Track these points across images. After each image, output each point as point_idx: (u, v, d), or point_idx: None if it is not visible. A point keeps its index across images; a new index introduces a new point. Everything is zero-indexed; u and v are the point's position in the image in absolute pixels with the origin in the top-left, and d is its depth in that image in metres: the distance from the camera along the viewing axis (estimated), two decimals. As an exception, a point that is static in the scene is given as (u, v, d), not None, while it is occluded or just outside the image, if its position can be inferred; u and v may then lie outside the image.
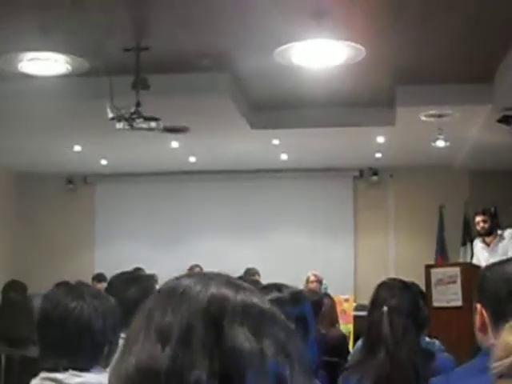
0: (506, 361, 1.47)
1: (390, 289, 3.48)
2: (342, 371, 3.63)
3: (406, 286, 3.55)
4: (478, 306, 2.23)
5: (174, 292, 1.07)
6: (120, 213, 13.97)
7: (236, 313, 1.00)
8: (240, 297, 1.03)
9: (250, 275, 10.76)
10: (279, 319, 1.05)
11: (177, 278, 1.12)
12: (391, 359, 3.25)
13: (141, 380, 0.99)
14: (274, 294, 2.46)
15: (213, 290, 1.04)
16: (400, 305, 3.37)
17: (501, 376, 1.48)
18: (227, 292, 1.03)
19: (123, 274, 3.70)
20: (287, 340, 1.03)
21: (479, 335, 2.24)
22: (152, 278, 3.77)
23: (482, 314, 2.22)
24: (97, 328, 2.27)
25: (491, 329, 2.17)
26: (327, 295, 8.80)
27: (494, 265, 2.34)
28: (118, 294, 3.24)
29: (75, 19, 6.75)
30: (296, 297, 2.49)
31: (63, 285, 2.42)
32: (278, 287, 2.53)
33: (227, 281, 1.07)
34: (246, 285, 1.08)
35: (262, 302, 1.06)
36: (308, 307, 2.48)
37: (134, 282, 3.47)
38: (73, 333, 2.24)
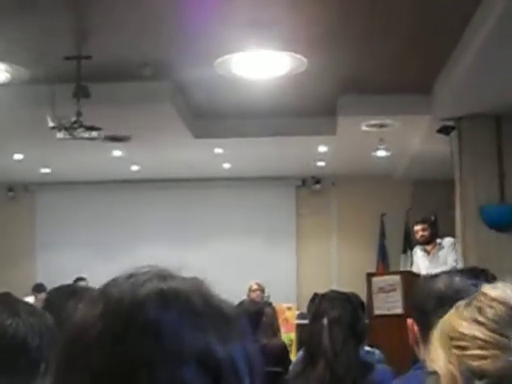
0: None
1: (331, 301, 3.51)
2: (283, 382, 3.65)
3: (347, 298, 3.58)
4: (409, 320, 2.27)
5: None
6: (62, 221, 13.83)
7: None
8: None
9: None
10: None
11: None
12: (331, 371, 3.27)
13: None
14: None
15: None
16: (340, 316, 3.40)
17: None
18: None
19: (62, 287, 3.64)
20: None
21: (415, 348, 2.28)
22: (92, 291, 3.72)
23: (412, 329, 2.26)
24: (33, 346, 2.24)
25: (421, 342, 2.21)
26: (269, 304, 8.83)
27: (422, 280, 2.39)
28: (57, 309, 3.20)
29: (15, 27, 6.67)
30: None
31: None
32: None
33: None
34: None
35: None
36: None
37: (73, 296, 3.42)
38: (8, 351, 2.21)
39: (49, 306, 3.34)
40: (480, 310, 1.22)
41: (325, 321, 3.38)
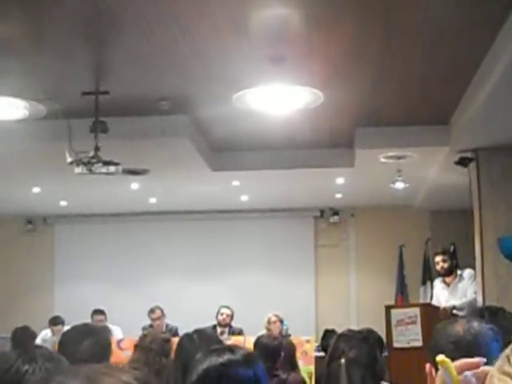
0: None
1: (348, 340, 3.49)
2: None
3: (364, 338, 3.55)
4: (428, 365, 2.25)
5: None
6: (80, 254, 13.85)
7: None
8: None
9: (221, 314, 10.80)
10: None
11: None
12: (349, 412, 3.24)
13: None
14: (227, 356, 2.44)
15: None
16: (358, 357, 3.37)
17: None
18: None
19: (77, 326, 3.64)
20: None
21: (433, 393, 2.25)
22: (106, 330, 3.72)
23: (431, 373, 2.24)
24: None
25: None
26: (287, 337, 8.79)
27: (440, 325, 2.37)
28: (72, 349, 3.19)
29: (33, 64, 6.73)
30: (249, 358, 2.47)
31: (16, 345, 2.38)
32: (230, 349, 2.51)
33: None
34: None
35: None
36: (261, 368, 2.46)
37: (88, 336, 3.42)
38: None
39: (64, 347, 3.34)
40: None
41: (342, 361, 3.35)
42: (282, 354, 6.04)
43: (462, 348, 2.20)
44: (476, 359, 1.57)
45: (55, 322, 10.78)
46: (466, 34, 6.12)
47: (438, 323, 2.43)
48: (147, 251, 13.71)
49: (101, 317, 10.97)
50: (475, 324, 2.28)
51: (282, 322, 10.27)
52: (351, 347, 3.41)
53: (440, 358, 1.57)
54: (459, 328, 2.29)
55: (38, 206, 12.79)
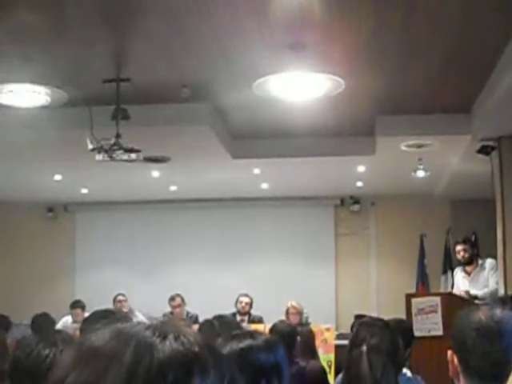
0: None
1: (370, 328, 3.47)
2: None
3: (386, 325, 3.54)
4: (449, 352, 2.23)
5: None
6: (101, 241, 13.93)
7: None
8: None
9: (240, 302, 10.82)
10: None
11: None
12: (370, 399, 3.23)
13: None
14: (247, 342, 2.43)
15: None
16: (379, 344, 3.36)
17: None
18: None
19: (96, 312, 3.65)
20: None
21: (455, 381, 2.24)
22: (127, 316, 3.72)
23: (453, 361, 2.22)
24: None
25: (462, 376, 2.17)
26: (306, 325, 8.77)
27: (462, 313, 2.35)
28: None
29: (55, 51, 6.74)
30: (270, 344, 2.46)
31: (35, 331, 2.39)
32: (251, 334, 2.50)
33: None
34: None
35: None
36: (282, 354, 2.45)
37: (109, 321, 3.42)
38: (45, 382, 2.21)
39: (85, 332, 3.35)
40: None
41: (364, 348, 3.34)
42: (298, 338, 6.01)
43: (484, 335, 2.18)
44: None
45: (74, 305, 10.87)
46: (489, 20, 6.06)
47: (460, 311, 2.42)
48: (168, 239, 13.74)
49: (123, 298, 11.16)
50: (498, 311, 2.26)
51: (300, 313, 10.24)
52: (373, 334, 3.40)
53: None
54: (481, 315, 2.27)
55: (59, 193, 12.83)
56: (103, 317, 3.49)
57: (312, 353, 6.89)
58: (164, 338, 0.97)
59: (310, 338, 7.00)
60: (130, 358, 0.93)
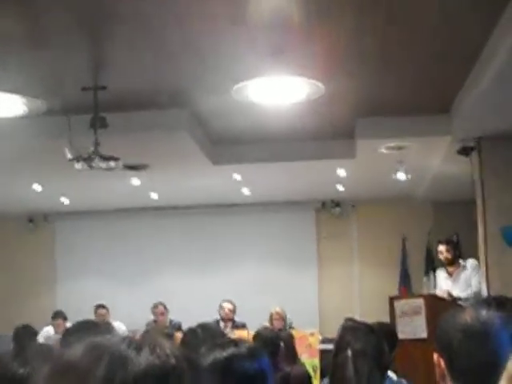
0: None
1: (354, 332, 3.44)
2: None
3: (370, 329, 3.51)
4: (435, 355, 2.21)
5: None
6: (81, 250, 13.84)
7: None
8: None
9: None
10: None
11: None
12: (356, 404, 3.20)
13: None
14: (231, 350, 2.41)
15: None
16: (364, 348, 3.33)
17: None
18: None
19: (77, 324, 3.61)
20: None
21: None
22: (109, 326, 3.68)
23: (439, 364, 2.19)
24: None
25: (449, 379, 2.15)
26: (286, 330, 8.75)
27: (446, 315, 2.33)
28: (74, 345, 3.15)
29: (31, 60, 6.69)
30: (254, 351, 2.44)
31: (17, 344, 2.34)
32: (234, 343, 2.48)
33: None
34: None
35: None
36: (266, 361, 2.43)
37: (90, 332, 3.38)
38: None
39: (66, 343, 3.31)
40: None
41: (349, 353, 3.31)
42: (282, 344, 5.99)
43: (470, 336, 2.16)
44: None
45: (55, 316, 10.78)
46: (466, 20, 6.07)
47: (444, 313, 2.40)
48: (149, 247, 13.68)
49: (103, 311, 11.04)
50: (483, 312, 2.24)
51: (283, 319, 10.23)
52: (357, 338, 3.37)
53: None
54: (467, 316, 2.25)
55: (38, 203, 12.74)
56: (84, 328, 3.45)
57: (294, 357, 6.88)
58: (139, 350, 0.95)
59: (290, 342, 6.99)
60: (104, 371, 0.91)
